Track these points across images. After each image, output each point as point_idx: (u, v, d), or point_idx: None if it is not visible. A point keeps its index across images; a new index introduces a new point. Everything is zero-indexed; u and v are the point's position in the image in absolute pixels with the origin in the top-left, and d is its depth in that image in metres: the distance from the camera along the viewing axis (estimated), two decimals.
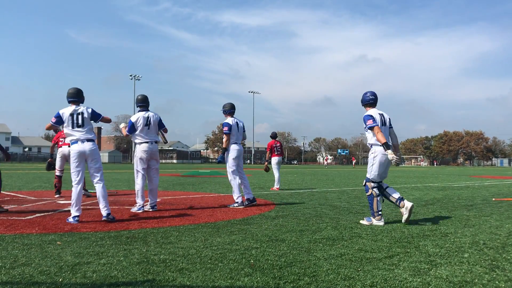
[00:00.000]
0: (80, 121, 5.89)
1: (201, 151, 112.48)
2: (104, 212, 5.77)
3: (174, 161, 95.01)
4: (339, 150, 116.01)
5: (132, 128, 6.94)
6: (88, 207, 7.51)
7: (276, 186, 12.39)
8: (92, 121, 6.04)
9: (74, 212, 5.75)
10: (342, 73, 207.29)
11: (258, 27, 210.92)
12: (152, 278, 3.22)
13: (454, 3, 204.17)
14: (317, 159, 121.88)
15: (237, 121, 7.96)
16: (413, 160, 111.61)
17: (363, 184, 6.02)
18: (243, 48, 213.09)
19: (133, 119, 7.00)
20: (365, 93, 6.15)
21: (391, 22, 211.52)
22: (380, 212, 5.83)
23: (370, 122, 5.83)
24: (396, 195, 5.89)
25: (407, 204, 5.79)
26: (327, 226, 5.60)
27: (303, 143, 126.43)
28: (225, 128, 7.77)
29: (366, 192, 5.98)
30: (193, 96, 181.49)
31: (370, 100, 6.09)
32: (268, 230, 5.30)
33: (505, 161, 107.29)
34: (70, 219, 5.73)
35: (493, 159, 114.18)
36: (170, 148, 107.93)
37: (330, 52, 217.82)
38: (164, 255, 3.92)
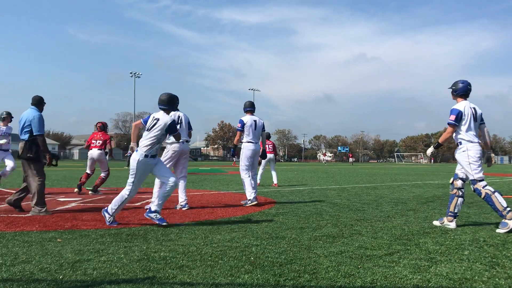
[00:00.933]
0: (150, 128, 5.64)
1: (201, 148, 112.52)
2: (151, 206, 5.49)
3: None
4: (339, 147, 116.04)
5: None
6: (88, 204, 7.52)
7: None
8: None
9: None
10: (342, 70, 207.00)
11: (258, 25, 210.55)
12: (152, 275, 3.22)
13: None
14: (317, 156, 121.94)
15: (256, 119, 7.83)
16: (413, 158, 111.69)
17: (472, 190, 5.37)
18: (243, 45, 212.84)
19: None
20: (460, 82, 5.49)
21: (391, 19, 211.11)
22: (508, 208, 5.05)
23: (451, 118, 5.31)
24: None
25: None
26: (327, 224, 5.60)
27: (303, 141, 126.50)
28: (238, 125, 7.79)
29: (480, 195, 5.27)
30: (193, 93, 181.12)
31: (466, 91, 5.46)
32: (268, 227, 5.30)
33: (505, 158, 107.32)
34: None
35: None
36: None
37: (330, 50, 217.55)
38: (164, 252, 3.93)
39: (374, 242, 4.48)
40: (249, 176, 7.71)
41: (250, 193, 7.58)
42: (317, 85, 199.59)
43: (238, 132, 7.79)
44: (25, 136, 6.25)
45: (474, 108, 5.46)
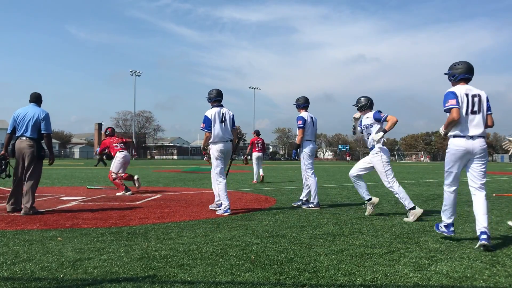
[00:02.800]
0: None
1: None
2: None
3: (175, 157, 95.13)
4: (339, 146, 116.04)
5: (209, 123, 6.50)
6: (88, 203, 7.52)
7: (254, 179, 13.33)
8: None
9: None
10: (342, 69, 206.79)
11: (259, 23, 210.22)
12: (153, 274, 3.23)
13: None
14: (318, 155, 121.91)
15: (312, 116, 7.35)
16: (413, 156, 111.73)
17: None
18: (243, 43, 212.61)
19: (208, 114, 6.54)
20: None
21: (392, 17, 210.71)
22: None
23: None
24: None
25: None
26: (328, 222, 5.61)
27: None
28: (299, 122, 7.12)
29: None
30: (194, 92, 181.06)
31: None
32: (268, 226, 5.30)
33: (506, 156, 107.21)
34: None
35: (494, 154, 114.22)
36: (170, 144, 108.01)
37: (330, 48, 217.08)
38: (165, 251, 3.93)
39: (375, 240, 4.49)
40: (314, 178, 7.27)
41: (314, 196, 7.20)
42: (317, 84, 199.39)
43: (301, 130, 7.12)
44: (35, 134, 6.20)
45: None
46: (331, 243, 4.31)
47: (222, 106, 6.75)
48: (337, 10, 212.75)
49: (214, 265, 3.48)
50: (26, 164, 6.17)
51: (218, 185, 6.53)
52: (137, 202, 7.63)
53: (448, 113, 4.40)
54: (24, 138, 6.17)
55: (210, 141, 6.58)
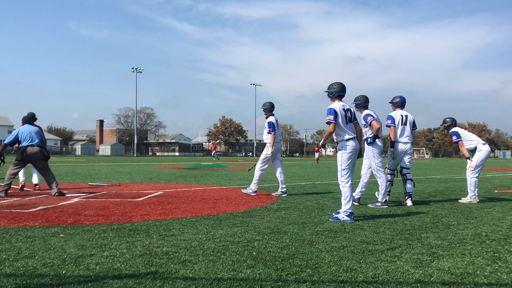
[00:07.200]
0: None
1: (203, 143, 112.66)
2: None
3: (176, 153, 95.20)
4: None
5: (273, 128, 8.28)
6: (90, 199, 7.54)
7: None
8: None
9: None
10: (342, 66, 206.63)
11: (260, 19, 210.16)
12: (155, 270, 3.23)
13: None
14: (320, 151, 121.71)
15: (345, 107, 5.77)
16: (415, 152, 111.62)
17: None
18: (245, 40, 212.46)
19: (272, 119, 8.34)
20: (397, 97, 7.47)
21: (394, 13, 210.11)
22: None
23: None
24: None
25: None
26: (329, 218, 5.61)
27: (305, 136, 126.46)
28: (330, 117, 5.59)
29: None
30: (195, 89, 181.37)
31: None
32: (270, 222, 5.31)
33: (508, 153, 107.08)
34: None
35: (496, 151, 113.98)
36: (172, 140, 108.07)
37: (332, 44, 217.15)
38: (166, 247, 3.94)
39: (376, 236, 4.49)
40: (350, 185, 5.53)
41: (349, 205, 5.46)
42: (318, 80, 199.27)
43: (332, 125, 5.59)
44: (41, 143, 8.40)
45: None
46: (333, 240, 4.32)
47: (273, 115, 8.48)
48: (339, 5, 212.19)
49: (216, 261, 3.48)
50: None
51: (258, 171, 8.45)
52: (139, 199, 7.64)
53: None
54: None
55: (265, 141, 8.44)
